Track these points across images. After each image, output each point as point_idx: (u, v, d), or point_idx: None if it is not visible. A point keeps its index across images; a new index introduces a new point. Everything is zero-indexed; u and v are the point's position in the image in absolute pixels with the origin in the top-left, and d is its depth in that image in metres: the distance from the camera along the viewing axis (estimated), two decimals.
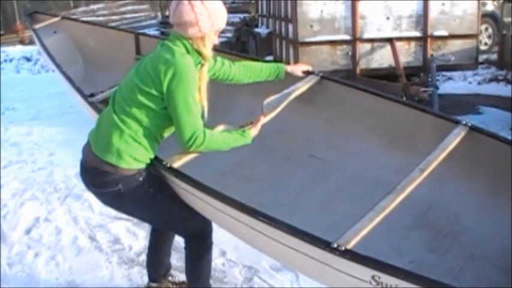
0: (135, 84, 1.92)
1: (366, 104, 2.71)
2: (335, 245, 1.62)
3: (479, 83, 7.41)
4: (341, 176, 2.76)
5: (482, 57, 8.08)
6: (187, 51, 1.94)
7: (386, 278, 1.53)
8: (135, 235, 3.06)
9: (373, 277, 1.56)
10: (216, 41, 2.02)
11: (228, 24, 12.38)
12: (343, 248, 1.61)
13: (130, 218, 2.98)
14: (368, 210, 1.78)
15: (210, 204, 1.92)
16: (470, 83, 7.50)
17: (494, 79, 7.27)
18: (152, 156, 1.99)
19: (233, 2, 12.14)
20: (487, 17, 8.97)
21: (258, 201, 1.94)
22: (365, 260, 1.57)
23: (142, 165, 1.97)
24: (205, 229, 2.10)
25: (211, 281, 2.27)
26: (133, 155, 1.92)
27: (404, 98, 4.77)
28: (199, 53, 1.97)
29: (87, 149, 2.01)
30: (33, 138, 5.21)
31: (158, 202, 2.02)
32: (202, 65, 2.01)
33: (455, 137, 2.23)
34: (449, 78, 7.75)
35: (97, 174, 1.95)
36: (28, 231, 3.17)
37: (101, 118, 2.06)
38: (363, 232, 1.70)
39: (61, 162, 4.38)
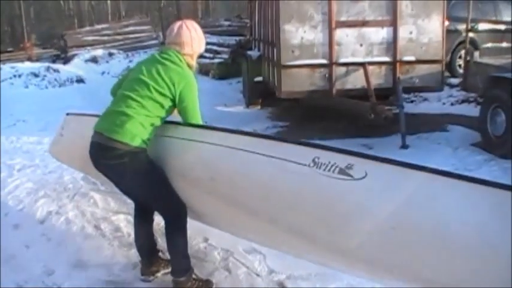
0: (151, 86, 2.54)
1: None
2: None
3: (452, 104, 7.82)
4: None
5: (455, 81, 8.65)
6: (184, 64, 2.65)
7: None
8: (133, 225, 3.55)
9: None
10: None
11: (224, 46, 12.87)
12: None
13: (130, 211, 3.40)
14: None
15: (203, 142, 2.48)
16: (444, 103, 7.93)
17: (466, 100, 7.68)
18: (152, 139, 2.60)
19: (230, 25, 12.78)
20: (463, 43, 9.55)
21: None
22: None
23: (145, 146, 2.56)
24: (181, 212, 2.64)
25: (194, 260, 2.78)
26: (142, 137, 2.52)
27: (372, 116, 5.36)
28: (189, 65, 2.67)
29: (97, 136, 2.56)
30: (43, 147, 5.53)
31: (153, 176, 2.57)
32: None
33: None
34: (425, 99, 8.21)
35: (112, 149, 2.49)
36: (42, 222, 3.62)
37: (109, 113, 2.60)
38: None
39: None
